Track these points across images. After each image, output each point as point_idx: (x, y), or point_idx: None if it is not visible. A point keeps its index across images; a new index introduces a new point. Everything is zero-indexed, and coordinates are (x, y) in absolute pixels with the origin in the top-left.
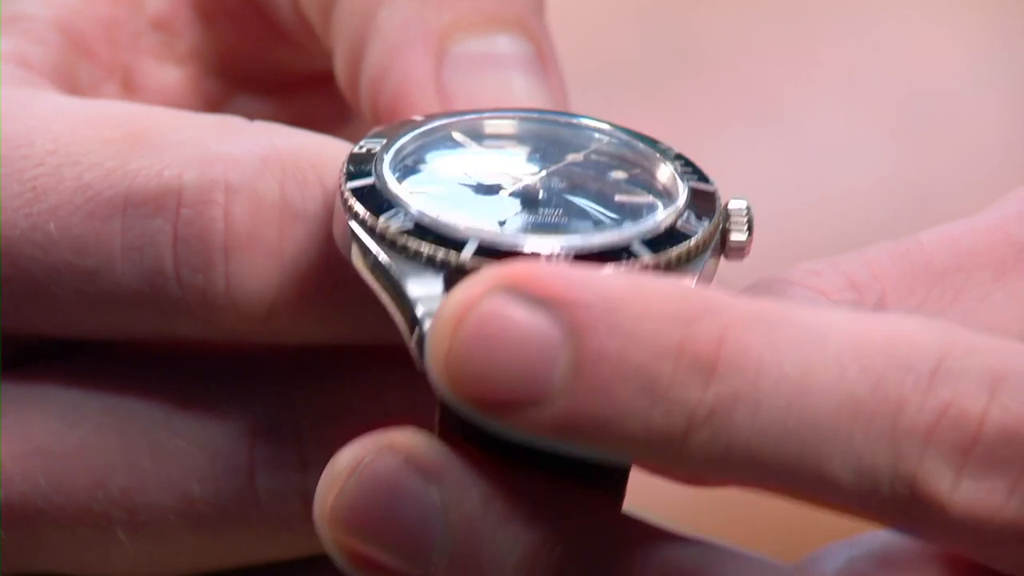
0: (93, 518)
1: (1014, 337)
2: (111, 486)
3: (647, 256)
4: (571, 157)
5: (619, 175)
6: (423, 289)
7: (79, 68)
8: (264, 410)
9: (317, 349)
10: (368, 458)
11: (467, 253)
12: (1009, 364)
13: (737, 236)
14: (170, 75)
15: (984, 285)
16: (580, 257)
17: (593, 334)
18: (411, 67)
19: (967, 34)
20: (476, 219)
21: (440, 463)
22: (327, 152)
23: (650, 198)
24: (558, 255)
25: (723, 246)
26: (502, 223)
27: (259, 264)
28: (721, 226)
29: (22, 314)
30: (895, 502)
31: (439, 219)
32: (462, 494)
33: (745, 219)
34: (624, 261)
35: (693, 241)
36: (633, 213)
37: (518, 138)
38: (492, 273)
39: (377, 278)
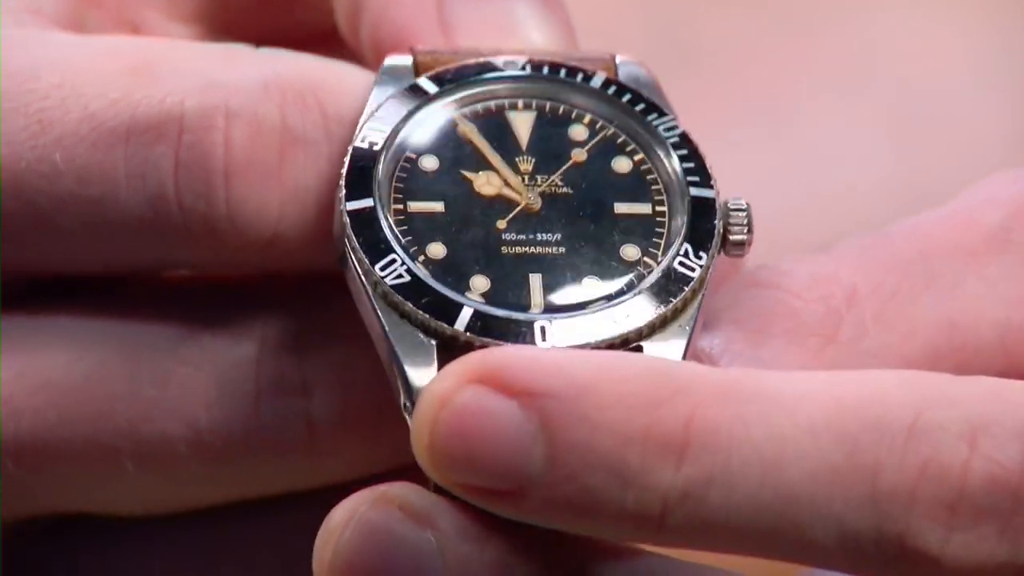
0: (101, 450)
1: (991, 323)
2: (118, 416)
3: (642, 317)
4: (575, 154)
5: (622, 166)
6: (415, 356)
7: (87, 18)
8: (267, 336)
9: (319, 274)
10: (362, 510)
11: (460, 325)
12: (987, 412)
13: (737, 236)
14: (177, 32)
15: (955, 272)
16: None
17: (562, 424)
18: (410, 5)
19: (967, 33)
20: (471, 275)
21: (432, 510)
22: (330, 76)
23: (649, 208)
24: (548, 325)
25: (724, 245)
26: (497, 280)
27: (259, 187)
28: (720, 238)
29: (29, 247)
30: (883, 560)
31: (433, 279)
32: (457, 536)
33: (745, 218)
34: (619, 323)
35: (690, 286)
36: (631, 231)
37: (523, 110)
38: (465, 367)
39: (367, 314)
